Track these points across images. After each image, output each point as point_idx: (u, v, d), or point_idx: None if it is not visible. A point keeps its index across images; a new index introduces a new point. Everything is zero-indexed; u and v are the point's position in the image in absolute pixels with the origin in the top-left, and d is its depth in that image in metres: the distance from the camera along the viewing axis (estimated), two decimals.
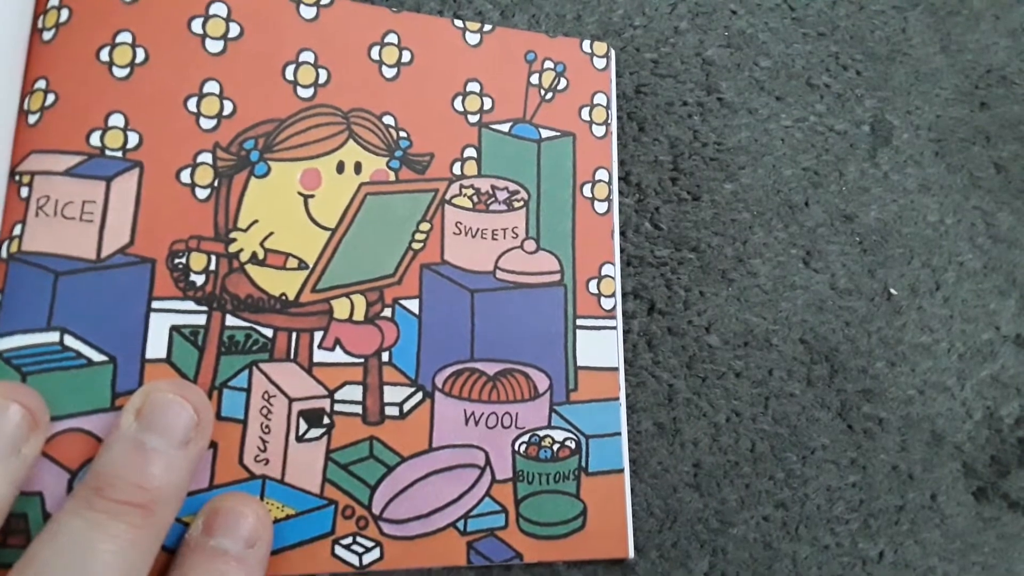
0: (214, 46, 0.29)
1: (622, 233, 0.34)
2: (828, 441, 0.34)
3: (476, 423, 0.30)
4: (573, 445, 0.30)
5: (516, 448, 0.30)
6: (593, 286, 0.32)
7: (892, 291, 0.37)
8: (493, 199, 0.31)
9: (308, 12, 0.30)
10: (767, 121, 0.37)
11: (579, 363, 0.31)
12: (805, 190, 0.37)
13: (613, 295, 0.32)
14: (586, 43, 0.34)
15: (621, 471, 0.31)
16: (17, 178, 0.26)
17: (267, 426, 0.27)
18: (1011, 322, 0.38)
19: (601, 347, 0.31)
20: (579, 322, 0.31)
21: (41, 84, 0.27)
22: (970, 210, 0.39)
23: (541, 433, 0.30)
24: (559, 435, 0.30)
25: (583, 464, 0.30)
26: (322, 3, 0.30)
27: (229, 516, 0.25)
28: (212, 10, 0.29)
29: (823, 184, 0.37)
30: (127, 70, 0.28)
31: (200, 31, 0.29)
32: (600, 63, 0.34)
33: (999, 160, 0.41)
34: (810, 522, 0.33)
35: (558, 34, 0.35)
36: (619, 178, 0.34)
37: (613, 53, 0.34)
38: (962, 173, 0.40)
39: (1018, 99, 0.42)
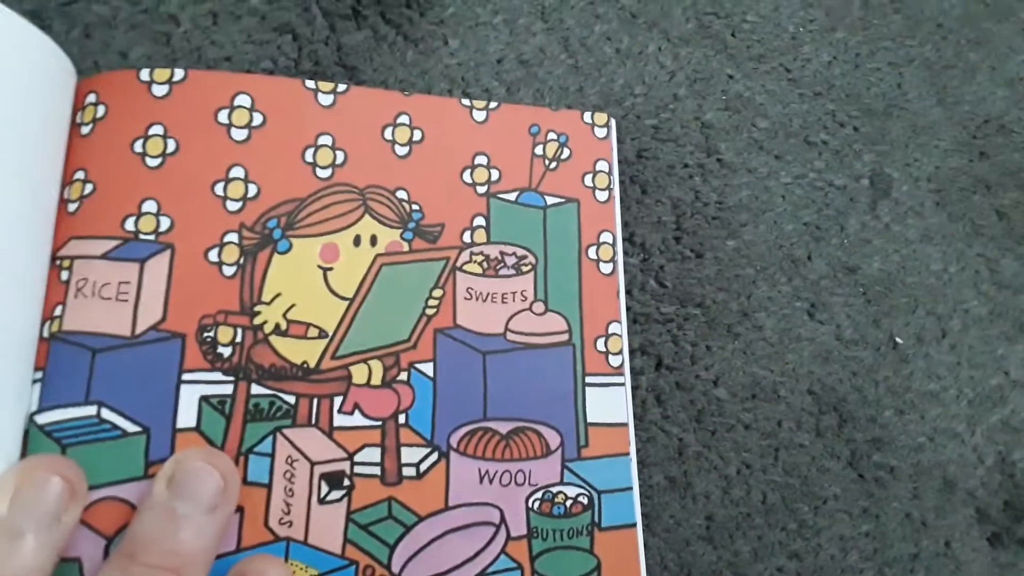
0: (239, 134, 0.31)
1: (628, 291, 0.35)
2: (839, 491, 0.35)
3: (491, 481, 0.31)
4: (586, 501, 0.31)
5: (530, 505, 0.31)
6: (601, 344, 0.33)
7: (898, 340, 0.38)
8: (502, 264, 0.33)
9: (326, 99, 0.32)
10: (767, 179, 0.39)
11: (589, 419, 0.32)
12: (807, 244, 0.38)
13: (620, 352, 0.33)
14: (587, 114, 0.35)
15: (634, 526, 0.31)
16: (58, 263, 0.28)
17: (291, 489, 0.29)
18: (1020, 367, 0.39)
19: (610, 403, 0.33)
20: (588, 379, 0.33)
21: (80, 175, 0.29)
22: (973, 258, 0.40)
23: (554, 489, 0.31)
24: (572, 491, 0.31)
25: (596, 519, 0.31)
26: (338, 90, 0.32)
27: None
28: (237, 101, 0.31)
29: (825, 238, 0.38)
30: (159, 160, 0.30)
31: (226, 121, 0.31)
32: (601, 132, 0.35)
33: (1000, 208, 0.42)
34: (824, 572, 0.34)
35: (562, 105, 0.37)
36: (624, 239, 0.36)
37: (613, 122, 0.36)
38: (964, 222, 0.41)
39: (1017, 147, 0.43)
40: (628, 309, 0.35)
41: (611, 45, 0.39)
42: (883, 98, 0.42)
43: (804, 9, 0.42)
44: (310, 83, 0.32)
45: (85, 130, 0.30)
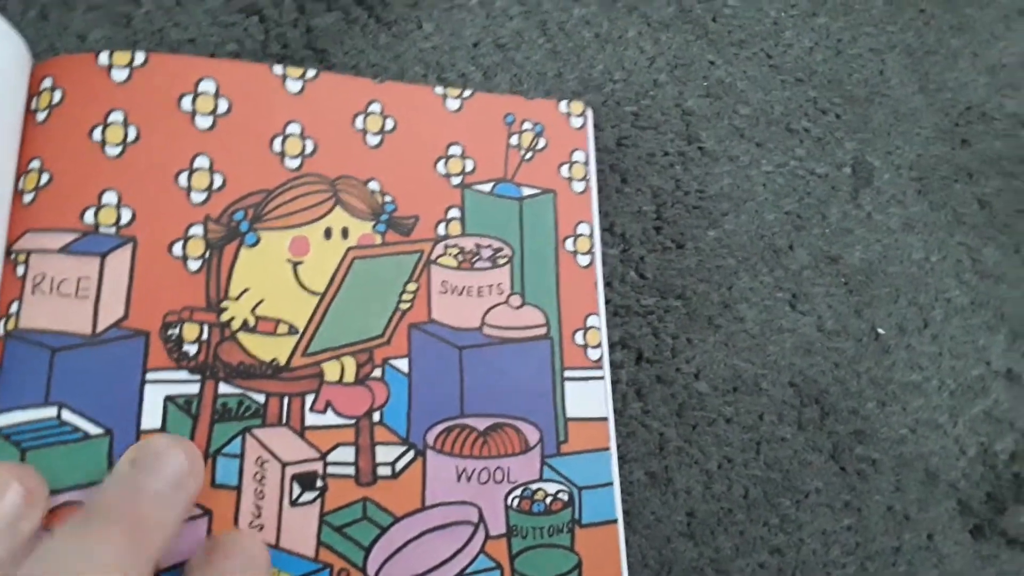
0: (203, 122, 0.30)
1: (608, 283, 0.35)
2: (821, 484, 0.34)
3: (468, 479, 0.30)
4: (566, 497, 0.31)
5: (509, 503, 0.30)
6: (579, 337, 0.32)
7: (879, 331, 0.37)
8: (478, 257, 0.32)
9: (294, 86, 0.31)
10: (748, 167, 0.38)
11: (568, 414, 0.31)
12: (788, 234, 0.37)
13: (599, 345, 0.32)
14: (563, 104, 0.34)
15: (614, 522, 0.31)
16: (13, 257, 0.27)
17: (261, 491, 0.28)
18: (1001, 357, 0.39)
19: (590, 398, 0.32)
20: (567, 374, 0.32)
21: (35, 164, 0.28)
22: (955, 247, 0.40)
23: (533, 486, 0.30)
24: (551, 488, 0.31)
25: (576, 516, 0.31)
26: (307, 76, 0.31)
27: (230, 545, 0.26)
28: (201, 87, 0.30)
29: (806, 227, 0.38)
30: (119, 148, 0.29)
31: (190, 108, 0.30)
32: (577, 122, 0.34)
33: (982, 196, 0.41)
34: (806, 567, 0.33)
35: (540, 91, 0.36)
36: (603, 229, 0.35)
37: (590, 111, 0.35)
38: (945, 210, 0.40)
39: (999, 135, 0.43)
40: (608, 301, 0.34)
41: (590, 29, 0.38)
42: (865, 84, 0.42)
43: None
44: (278, 68, 0.31)
45: (41, 117, 0.28)
